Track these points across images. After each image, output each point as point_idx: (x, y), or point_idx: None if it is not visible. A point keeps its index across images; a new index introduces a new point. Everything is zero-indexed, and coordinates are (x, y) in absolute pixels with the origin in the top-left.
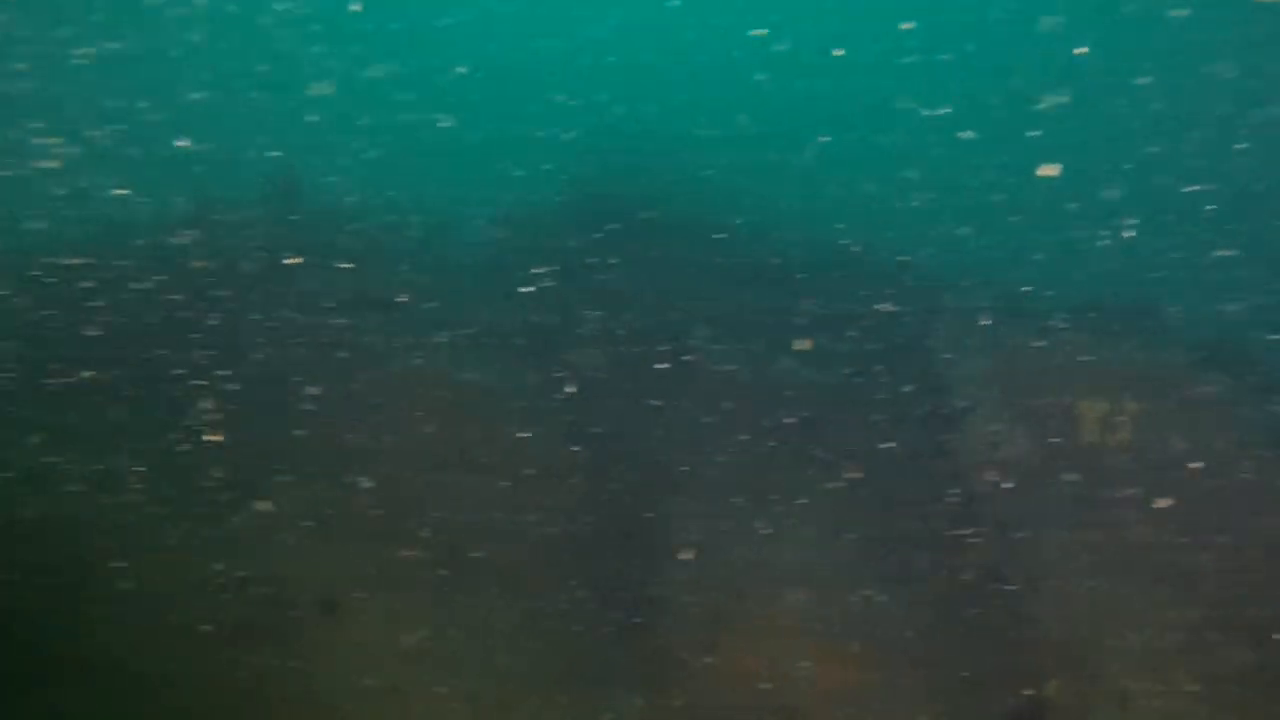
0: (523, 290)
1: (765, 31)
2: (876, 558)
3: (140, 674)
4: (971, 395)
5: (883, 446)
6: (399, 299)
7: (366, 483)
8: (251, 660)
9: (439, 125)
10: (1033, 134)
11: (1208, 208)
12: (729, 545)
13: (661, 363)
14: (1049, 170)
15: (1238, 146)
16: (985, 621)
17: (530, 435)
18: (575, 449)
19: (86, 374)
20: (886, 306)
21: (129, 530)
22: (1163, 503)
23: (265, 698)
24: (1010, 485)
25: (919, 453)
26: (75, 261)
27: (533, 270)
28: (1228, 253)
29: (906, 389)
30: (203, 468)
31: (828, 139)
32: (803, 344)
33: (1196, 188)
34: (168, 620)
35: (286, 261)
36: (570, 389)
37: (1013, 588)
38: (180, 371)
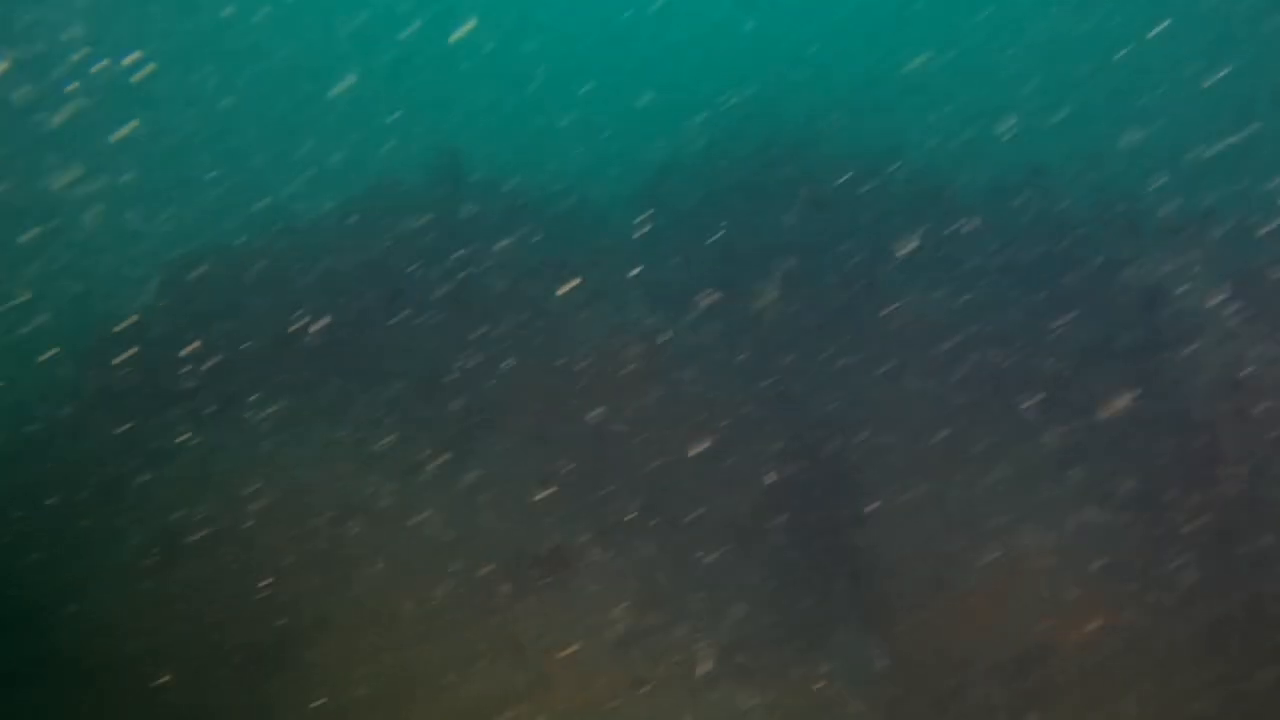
0: (706, 242)
1: None
2: (1104, 498)
3: (379, 626)
4: (1207, 327)
5: (1112, 387)
6: (580, 265)
7: (575, 443)
8: (491, 615)
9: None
10: None
11: None
12: (945, 491)
13: (857, 308)
14: None
15: None
16: (1241, 564)
17: (729, 389)
18: (776, 400)
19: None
20: (1106, 242)
21: (358, 495)
22: None
23: (507, 647)
24: (1257, 420)
25: (1147, 389)
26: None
27: (708, 221)
28: None
29: (1131, 328)
30: (416, 437)
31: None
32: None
33: None
34: (403, 578)
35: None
36: (764, 341)
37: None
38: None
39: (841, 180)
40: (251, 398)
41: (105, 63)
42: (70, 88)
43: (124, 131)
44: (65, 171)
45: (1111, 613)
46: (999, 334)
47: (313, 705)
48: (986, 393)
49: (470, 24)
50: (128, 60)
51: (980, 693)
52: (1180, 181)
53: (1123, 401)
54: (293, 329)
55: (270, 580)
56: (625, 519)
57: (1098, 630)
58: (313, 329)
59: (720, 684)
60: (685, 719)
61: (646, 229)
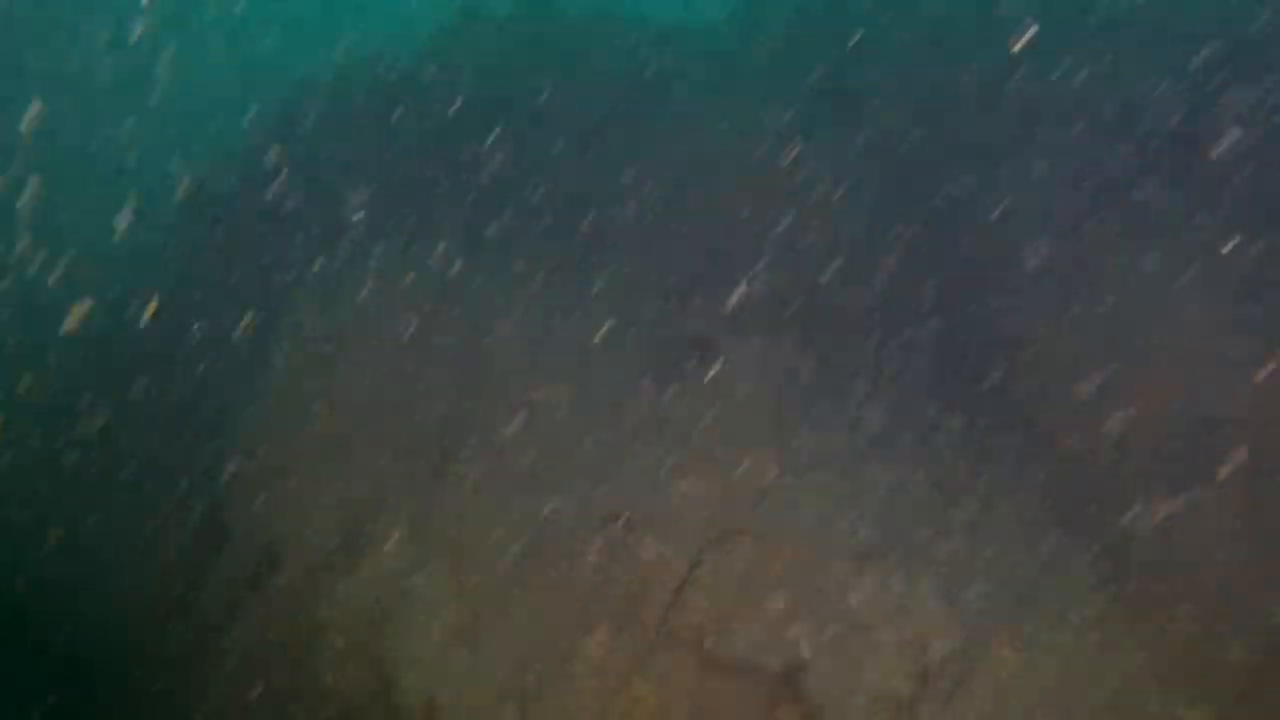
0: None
1: None
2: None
3: (528, 419)
4: None
5: None
6: (691, 82)
7: (709, 242)
8: (636, 402)
9: None
10: None
11: None
12: (1098, 267)
13: (988, 105)
14: None
15: None
16: None
17: (865, 188)
18: (914, 196)
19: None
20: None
21: (502, 306)
22: None
23: (654, 430)
24: None
25: None
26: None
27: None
28: None
29: None
30: (552, 247)
31: None
32: None
33: None
34: (548, 373)
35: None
36: (895, 144)
37: None
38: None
39: None
40: (360, 215)
41: None
42: None
43: None
44: None
45: None
46: (1148, 116)
47: (469, 494)
48: (1140, 180)
49: None
50: None
51: (1139, 467)
52: None
53: None
54: (410, 160)
55: (424, 387)
56: (765, 309)
57: (1268, 404)
58: (430, 158)
59: (869, 466)
60: (833, 498)
61: (756, 43)
